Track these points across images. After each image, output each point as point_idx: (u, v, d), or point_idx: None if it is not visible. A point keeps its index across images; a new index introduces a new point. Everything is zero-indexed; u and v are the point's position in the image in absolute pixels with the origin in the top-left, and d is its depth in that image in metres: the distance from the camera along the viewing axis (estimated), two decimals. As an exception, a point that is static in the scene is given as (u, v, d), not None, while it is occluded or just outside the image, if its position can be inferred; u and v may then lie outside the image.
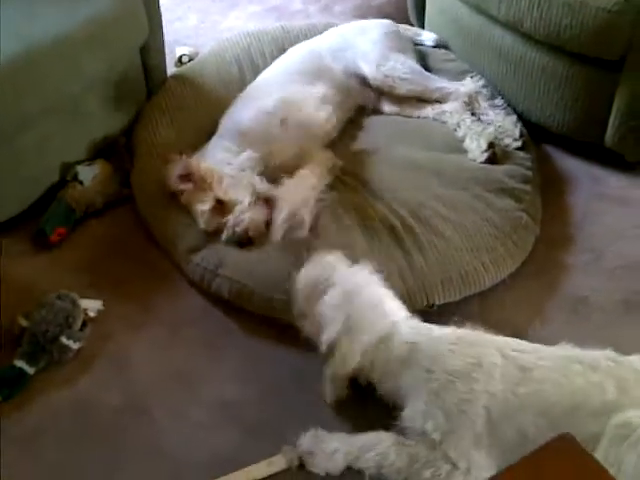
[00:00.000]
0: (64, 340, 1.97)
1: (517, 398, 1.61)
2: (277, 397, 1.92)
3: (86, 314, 2.05)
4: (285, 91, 2.38)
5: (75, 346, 2.00)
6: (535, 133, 2.48)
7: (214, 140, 2.34)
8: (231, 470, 1.75)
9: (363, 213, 2.18)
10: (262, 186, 2.21)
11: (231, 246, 2.14)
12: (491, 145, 2.30)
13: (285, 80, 2.44)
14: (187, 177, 2.20)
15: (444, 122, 2.44)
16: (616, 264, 2.18)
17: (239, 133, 2.30)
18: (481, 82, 2.52)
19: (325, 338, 1.78)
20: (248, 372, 1.99)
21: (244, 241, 2.13)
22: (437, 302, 2.01)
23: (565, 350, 1.70)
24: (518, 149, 2.35)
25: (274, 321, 2.05)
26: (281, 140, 2.30)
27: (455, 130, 2.40)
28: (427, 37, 2.75)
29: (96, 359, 2.01)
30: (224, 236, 2.15)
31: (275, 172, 2.25)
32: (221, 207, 2.17)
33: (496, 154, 2.30)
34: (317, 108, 2.38)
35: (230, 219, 2.14)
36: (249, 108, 2.35)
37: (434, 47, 2.73)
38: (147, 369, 2.00)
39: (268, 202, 2.17)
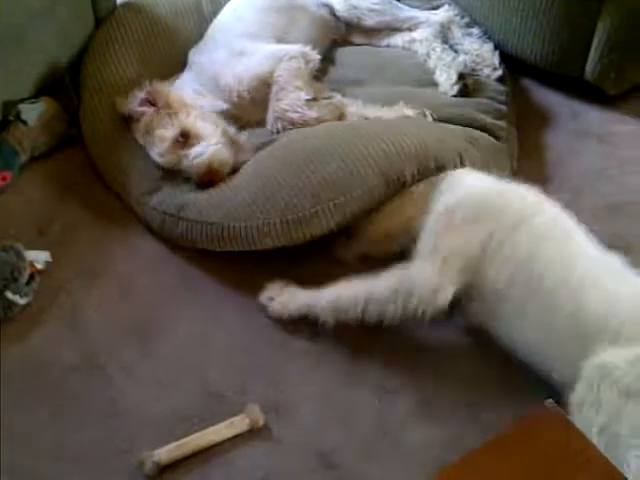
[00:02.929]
0: (9, 295, 1.87)
1: None
2: (242, 352, 1.84)
3: (33, 266, 1.94)
4: (269, 40, 2.26)
5: (22, 301, 1.90)
6: (512, 65, 2.39)
7: (185, 76, 2.22)
8: (190, 430, 1.67)
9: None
10: (232, 130, 2.09)
11: (187, 185, 2.01)
12: (461, 76, 2.21)
13: (262, 18, 2.30)
14: (150, 102, 2.07)
15: (414, 52, 2.35)
16: (596, 204, 2.11)
17: (217, 85, 2.18)
18: (455, 11, 2.42)
19: None
20: (210, 324, 1.89)
21: (204, 177, 1.98)
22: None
23: None
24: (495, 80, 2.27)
25: (238, 266, 1.97)
26: (265, 102, 2.17)
27: (425, 61, 2.31)
28: None
29: (46, 314, 1.91)
30: (183, 164, 2.00)
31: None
32: (184, 141, 2.01)
33: (467, 86, 2.22)
34: (305, 61, 2.22)
35: (193, 150, 1.99)
36: (234, 64, 2.20)
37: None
38: (101, 323, 1.90)
39: (235, 145, 2.04)
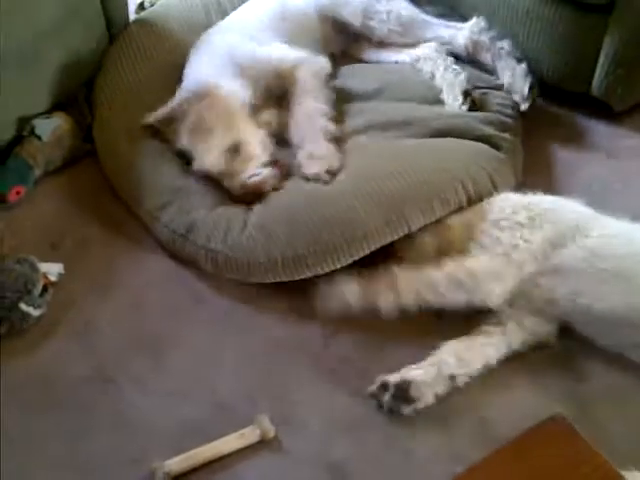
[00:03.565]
0: (23, 307, 1.88)
1: None
2: (250, 366, 1.85)
3: (47, 279, 1.96)
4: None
5: (36, 313, 1.91)
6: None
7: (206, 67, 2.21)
8: (201, 442, 1.68)
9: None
10: (273, 148, 2.11)
11: (199, 201, 2.04)
12: (467, 93, 2.18)
13: (271, 29, 2.32)
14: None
15: (420, 69, 2.33)
16: (603, 218, 2.11)
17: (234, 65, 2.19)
18: (482, 24, 2.32)
19: None
20: (220, 339, 1.91)
21: (249, 197, 2.02)
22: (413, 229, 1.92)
23: None
24: (498, 90, 2.25)
25: (248, 286, 1.98)
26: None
27: (431, 79, 2.29)
28: None
29: (59, 326, 1.93)
30: (235, 179, 2.03)
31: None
32: (233, 153, 2.05)
33: (475, 102, 2.19)
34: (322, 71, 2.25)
35: (250, 169, 2.02)
36: (253, 47, 2.23)
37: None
38: (112, 336, 1.92)
39: (278, 165, 2.07)
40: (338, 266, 1.89)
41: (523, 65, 2.23)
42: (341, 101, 2.26)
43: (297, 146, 2.08)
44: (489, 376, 1.78)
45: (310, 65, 2.19)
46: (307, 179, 2.01)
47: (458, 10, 2.45)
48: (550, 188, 2.17)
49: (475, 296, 1.79)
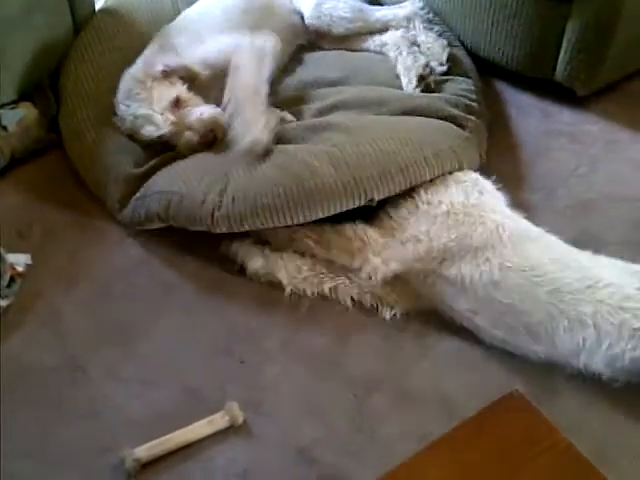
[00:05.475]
0: (-10, 298, 1.87)
1: None
2: (220, 352, 1.86)
3: (14, 269, 1.96)
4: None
5: (3, 303, 1.91)
6: (484, 68, 2.40)
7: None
8: (171, 429, 1.68)
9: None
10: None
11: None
12: (422, 78, 2.23)
13: (229, 17, 2.31)
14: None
15: (385, 55, 2.36)
16: (567, 203, 2.15)
17: None
18: (420, 3, 2.42)
19: None
20: (188, 326, 1.91)
21: (207, 136, 2.04)
22: (376, 197, 1.93)
23: None
24: (445, 74, 2.28)
25: (216, 273, 1.99)
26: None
27: (395, 65, 2.32)
28: None
29: (27, 316, 1.93)
30: (190, 125, 2.04)
31: None
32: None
33: (429, 86, 2.23)
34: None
35: (195, 109, 2.05)
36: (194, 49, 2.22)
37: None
38: (81, 325, 1.92)
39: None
40: (290, 223, 1.91)
41: (444, 40, 2.34)
42: (307, 88, 2.28)
43: (231, 121, 2.07)
44: (454, 356, 1.81)
45: (246, 49, 2.17)
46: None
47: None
48: (515, 173, 2.21)
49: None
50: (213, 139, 2.06)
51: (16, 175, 2.23)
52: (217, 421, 1.69)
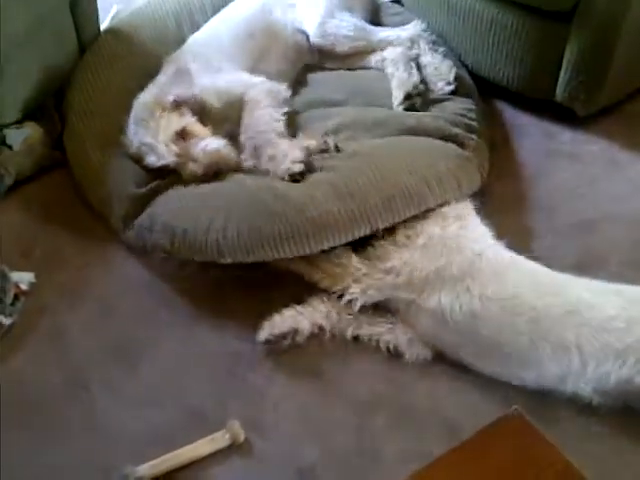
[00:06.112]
0: (-6, 315, 1.89)
1: None
2: (222, 371, 1.87)
3: (18, 287, 1.98)
4: (242, 62, 2.31)
5: (7, 321, 1.92)
6: (486, 88, 2.43)
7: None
8: (173, 448, 1.69)
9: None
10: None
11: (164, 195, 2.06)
12: (409, 96, 2.24)
13: (237, 41, 2.35)
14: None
15: (384, 71, 2.37)
16: (569, 222, 2.15)
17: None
18: (423, 25, 2.44)
19: None
20: (190, 346, 1.92)
21: (212, 167, 2.04)
22: (380, 227, 1.95)
23: None
24: (453, 93, 2.30)
25: (217, 291, 2.01)
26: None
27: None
28: None
29: (30, 334, 1.94)
30: (194, 157, 2.05)
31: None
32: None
33: (415, 105, 2.25)
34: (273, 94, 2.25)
35: (202, 142, 2.06)
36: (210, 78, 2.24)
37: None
38: (84, 343, 1.93)
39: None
40: (297, 254, 1.91)
41: (450, 61, 2.36)
42: (310, 108, 2.31)
43: (254, 155, 2.09)
44: (454, 376, 1.82)
45: (262, 86, 2.21)
46: (282, 179, 2.01)
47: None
48: (516, 193, 2.22)
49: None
50: (217, 171, 2.06)
51: (21, 193, 2.25)
52: (218, 439, 1.70)
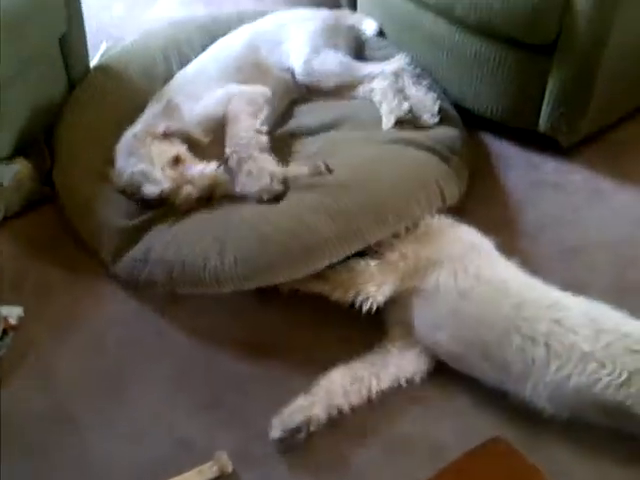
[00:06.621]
0: (-17, 350, 1.88)
1: None
2: (211, 401, 1.87)
3: (7, 322, 1.97)
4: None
5: (-5, 355, 1.91)
6: (470, 120, 2.45)
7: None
8: (160, 478, 1.68)
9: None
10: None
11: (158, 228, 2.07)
12: (399, 121, 2.28)
13: (224, 79, 2.36)
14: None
15: (372, 100, 2.40)
16: (553, 250, 2.17)
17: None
18: (407, 59, 2.47)
19: None
20: (179, 379, 1.92)
21: (206, 193, 2.07)
22: (372, 241, 1.98)
23: None
24: (439, 124, 2.32)
25: (207, 320, 2.02)
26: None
27: (379, 108, 2.37)
28: (368, 26, 2.67)
29: (19, 368, 1.94)
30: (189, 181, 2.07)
31: None
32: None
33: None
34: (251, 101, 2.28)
35: (196, 167, 2.09)
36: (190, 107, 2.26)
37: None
38: (73, 377, 1.93)
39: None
40: (293, 278, 1.93)
41: (434, 93, 2.38)
42: (296, 136, 2.35)
43: (235, 169, 2.10)
44: (443, 402, 1.83)
45: (241, 97, 2.24)
46: (260, 198, 2.04)
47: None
48: (501, 222, 2.24)
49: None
50: (210, 196, 2.09)
51: (10, 227, 2.26)
52: (206, 471, 1.69)
